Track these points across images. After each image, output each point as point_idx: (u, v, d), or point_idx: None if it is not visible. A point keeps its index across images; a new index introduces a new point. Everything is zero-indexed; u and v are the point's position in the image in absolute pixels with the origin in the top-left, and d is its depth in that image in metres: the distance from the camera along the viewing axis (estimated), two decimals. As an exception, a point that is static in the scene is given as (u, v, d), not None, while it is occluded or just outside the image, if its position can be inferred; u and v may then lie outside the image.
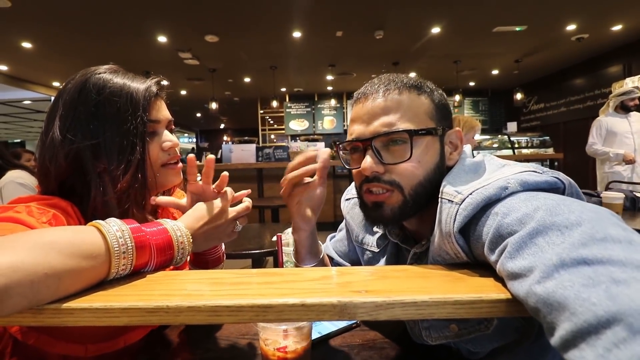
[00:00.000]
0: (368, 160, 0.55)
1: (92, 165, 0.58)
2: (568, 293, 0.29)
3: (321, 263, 0.68)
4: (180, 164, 0.68)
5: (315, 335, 0.66)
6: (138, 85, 0.62)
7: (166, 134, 0.66)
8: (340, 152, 0.64)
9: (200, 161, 5.94)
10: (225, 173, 0.66)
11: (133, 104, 0.60)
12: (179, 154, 0.68)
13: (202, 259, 0.69)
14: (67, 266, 0.39)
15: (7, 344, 0.59)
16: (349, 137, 0.60)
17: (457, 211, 0.46)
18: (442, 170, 0.57)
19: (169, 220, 0.55)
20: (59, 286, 0.38)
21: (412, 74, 0.65)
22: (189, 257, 0.70)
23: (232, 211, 0.64)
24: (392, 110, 0.55)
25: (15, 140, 14.49)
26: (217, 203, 0.62)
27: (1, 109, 8.96)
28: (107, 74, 0.61)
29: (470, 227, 0.47)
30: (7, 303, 0.34)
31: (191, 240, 0.56)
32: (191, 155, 0.65)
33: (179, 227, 0.55)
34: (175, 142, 0.66)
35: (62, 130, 0.58)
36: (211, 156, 0.65)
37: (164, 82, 0.68)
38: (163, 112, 0.66)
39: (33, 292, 0.36)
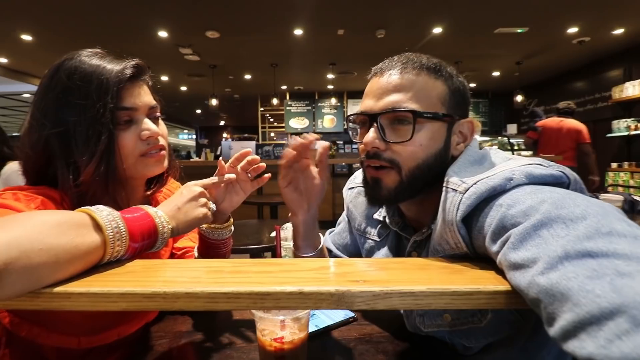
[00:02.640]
0: (370, 135, 0.56)
1: (60, 154, 0.56)
2: (572, 284, 0.29)
3: (319, 254, 0.68)
4: (163, 152, 0.64)
5: (312, 328, 0.66)
6: (112, 68, 0.58)
7: (145, 122, 0.61)
8: (350, 124, 0.64)
9: (200, 157, 5.93)
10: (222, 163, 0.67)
11: (102, 90, 0.55)
12: (162, 143, 0.64)
13: (214, 251, 0.68)
14: (61, 242, 0.39)
15: (1, 335, 0.59)
16: (357, 110, 0.60)
17: (460, 200, 0.46)
18: (444, 158, 0.57)
19: (149, 207, 0.55)
20: (57, 263, 0.38)
21: (447, 64, 0.64)
22: (196, 251, 0.70)
23: (197, 184, 0.62)
24: (403, 88, 0.55)
25: (14, 134, 14.45)
26: (187, 184, 0.62)
27: (0, 102, 8.93)
28: (84, 57, 0.58)
29: (473, 217, 0.47)
30: (5, 282, 0.34)
31: (169, 222, 0.55)
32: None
33: (158, 212, 0.54)
34: (154, 131, 0.61)
35: (33, 118, 0.57)
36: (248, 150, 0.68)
37: (144, 65, 0.63)
38: (142, 97, 0.61)
39: (31, 269, 0.36)
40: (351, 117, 0.63)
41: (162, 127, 0.65)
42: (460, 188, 0.48)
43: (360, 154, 0.61)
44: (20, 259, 0.35)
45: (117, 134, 0.58)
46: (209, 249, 0.68)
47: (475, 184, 0.46)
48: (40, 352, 0.59)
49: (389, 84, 0.56)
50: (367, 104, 0.58)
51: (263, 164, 0.69)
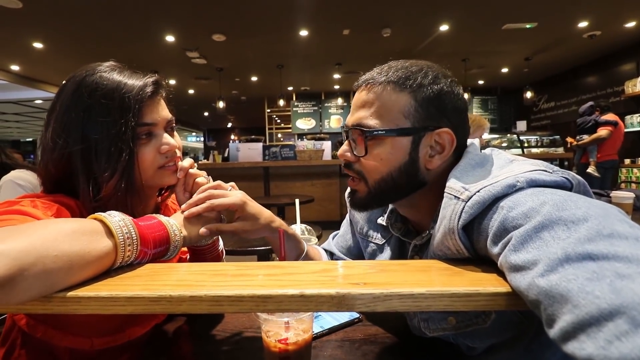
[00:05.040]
0: (342, 148, 0.62)
1: (82, 170, 0.57)
2: (572, 286, 0.29)
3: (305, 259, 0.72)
4: (178, 163, 0.66)
5: (317, 329, 0.66)
6: (132, 84, 0.59)
7: (165, 137, 0.63)
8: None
9: (208, 159, 5.98)
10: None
11: (124, 107, 0.57)
12: (178, 155, 0.66)
13: (201, 257, 0.70)
14: (75, 248, 0.40)
15: (16, 336, 0.61)
16: None
17: (462, 208, 0.46)
18: (411, 171, 0.56)
19: (162, 216, 0.57)
20: (70, 269, 0.40)
21: (428, 71, 0.62)
22: (188, 255, 0.72)
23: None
24: (367, 105, 0.57)
25: (27, 139, 14.78)
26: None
27: (14, 109, 9.16)
28: (104, 73, 0.59)
29: (474, 220, 0.47)
30: (22, 286, 0.35)
31: (181, 232, 0.57)
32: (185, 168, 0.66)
33: (170, 221, 0.57)
34: (172, 145, 0.63)
35: (55, 134, 0.58)
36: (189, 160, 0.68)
37: (162, 80, 0.65)
38: (160, 112, 0.63)
39: (46, 274, 0.37)
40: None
41: (177, 139, 0.67)
42: (462, 196, 0.47)
43: None
44: (36, 265, 0.36)
45: (137, 148, 0.60)
46: (195, 255, 0.70)
47: (478, 191, 0.46)
48: (54, 353, 0.61)
49: (359, 100, 0.59)
50: (348, 117, 0.62)
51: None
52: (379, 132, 0.55)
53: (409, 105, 0.55)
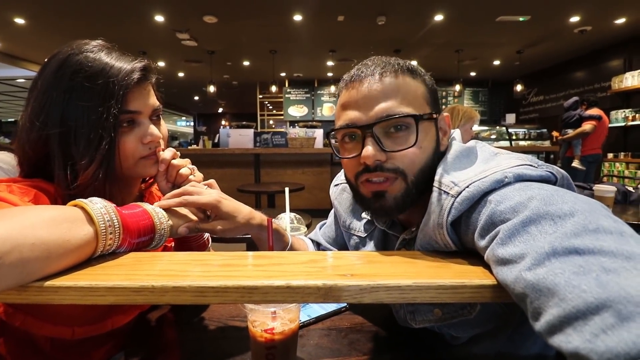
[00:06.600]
0: (370, 149, 0.51)
1: (59, 154, 0.55)
2: (558, 280, 0.30)
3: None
4: (158, 154, 0.64)
5: (304, 317, 0.67)
6: (119, 68, 0.56)
7: (150, 127, 0.60)
8: (332, 141, 0.60)
9: (198, 145, 5.89)
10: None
11: (107, 92, 0.54)
12: (161, 146, 0.63)
13: (186, 246, 0.69)
14: (53, 236, 0.39)
15: None
16: (340, 124, 0.56)
17: (452, 204, 0.46)
18: (438, 155, 0.56)
19: (147, 204, 0.55)
20: (48, 258, 0.38)
21: (414, 62, 0.61)
22: (173, 243, 0.70)
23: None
24: (391, 94, 0.52)
25: (10, 120, 14.28)
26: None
27: (-5, 87, 8.82)
28: (90, 53, 0.56)
29: (462, 215, 0.47)
30: None
31: (168, 220, 0.55)
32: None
33: (156, 209, 0.55)
34: (156, 135, 0.60)
35: (34, 114, 0.55)
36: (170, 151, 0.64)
37: (152, 66, 0.62)
38: (147, 100, 0.60)
39: (22, 263, 0.36)
40: (333, 134, 0.59)
41: (162, 128, 0.64)
42: (452, 191, 0.47)
43: (348, 170, 0.58)
44: (11, 253, 0.35)
45: (118, 137, 0.57)
46: (180, 244, 0.69)
47: (467, 187, 0.46)
48: (34, 342, 0.60)
49: (374, 91, 0.53)
50: (352, 115, 0.54)
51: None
52: (425, 116, 0.53)
53: (425, 91, 0.56)
